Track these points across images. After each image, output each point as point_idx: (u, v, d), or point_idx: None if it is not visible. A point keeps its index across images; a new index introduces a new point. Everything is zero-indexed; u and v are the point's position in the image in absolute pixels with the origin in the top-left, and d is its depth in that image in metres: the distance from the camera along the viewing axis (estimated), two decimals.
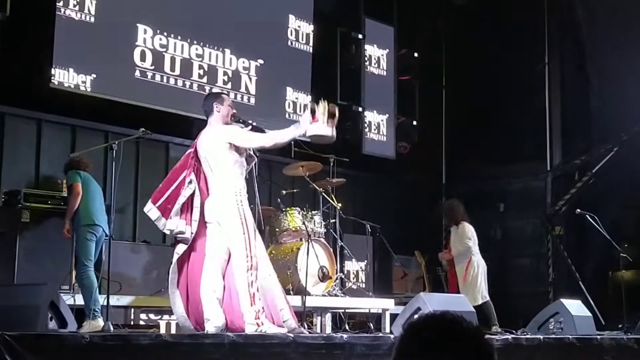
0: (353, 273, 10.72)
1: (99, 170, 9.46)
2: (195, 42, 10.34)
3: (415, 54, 13.40)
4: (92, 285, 6.80)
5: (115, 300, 7.09)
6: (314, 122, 5.98)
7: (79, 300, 7.00)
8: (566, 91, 13.00)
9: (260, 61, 11.03)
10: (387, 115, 12.95)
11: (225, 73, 10.65)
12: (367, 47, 12.68)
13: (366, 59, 12.66)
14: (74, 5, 9.14)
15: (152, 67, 9.88)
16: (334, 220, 9.04)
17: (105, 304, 6.38)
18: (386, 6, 13.25)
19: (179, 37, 10.18)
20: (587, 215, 9.22)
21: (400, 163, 13.09)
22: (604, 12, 12.56)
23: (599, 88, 12.62)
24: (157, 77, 9.95)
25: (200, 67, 10.38)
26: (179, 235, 6.05)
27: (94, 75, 9.27)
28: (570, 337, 7.40)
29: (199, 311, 5.98)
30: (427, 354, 1.83)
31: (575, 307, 8.29)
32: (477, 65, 13.31)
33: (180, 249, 6.07)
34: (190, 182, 6.02)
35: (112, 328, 5.96)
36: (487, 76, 13.21)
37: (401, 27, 13.36)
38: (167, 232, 6.23)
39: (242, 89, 10.85)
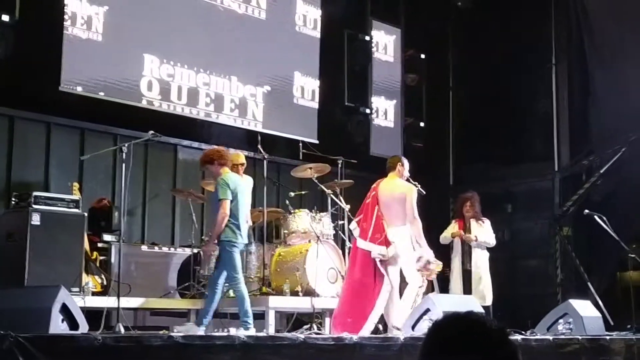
0: None
1: (108, 173, 9.53)
2: None
3: (422, 56, 13.41)
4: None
5: (124, 302, 7.11)
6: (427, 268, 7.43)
7: (90, 302, 7.05)
8: (573, 92, 12.98)
9: None
10: (393, 115, 12.97)
11: None
12: (374, 48, 12.69)
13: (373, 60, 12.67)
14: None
15: None
16: (342, 222, 9.05)
17: (115, 306, 6.42)
18: (393, 8, 13.26)
19: None
20: (596, 216, 9.20)
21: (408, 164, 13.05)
22: (607, 15, 12.55)
23: (605, 89, 12.58)
24: None
25: None
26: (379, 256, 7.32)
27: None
28: (579, 337, 7.40)
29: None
30: (453, 353, 1.84)
31: (584, 307, 8.28)
32: (484, 66, 13.31)
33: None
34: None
35: (122, 330, 5.99)
36: (494, 77, 13.20)
37: (408, 28, 13.37)
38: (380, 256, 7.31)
39: (253, 3, 10.93)
